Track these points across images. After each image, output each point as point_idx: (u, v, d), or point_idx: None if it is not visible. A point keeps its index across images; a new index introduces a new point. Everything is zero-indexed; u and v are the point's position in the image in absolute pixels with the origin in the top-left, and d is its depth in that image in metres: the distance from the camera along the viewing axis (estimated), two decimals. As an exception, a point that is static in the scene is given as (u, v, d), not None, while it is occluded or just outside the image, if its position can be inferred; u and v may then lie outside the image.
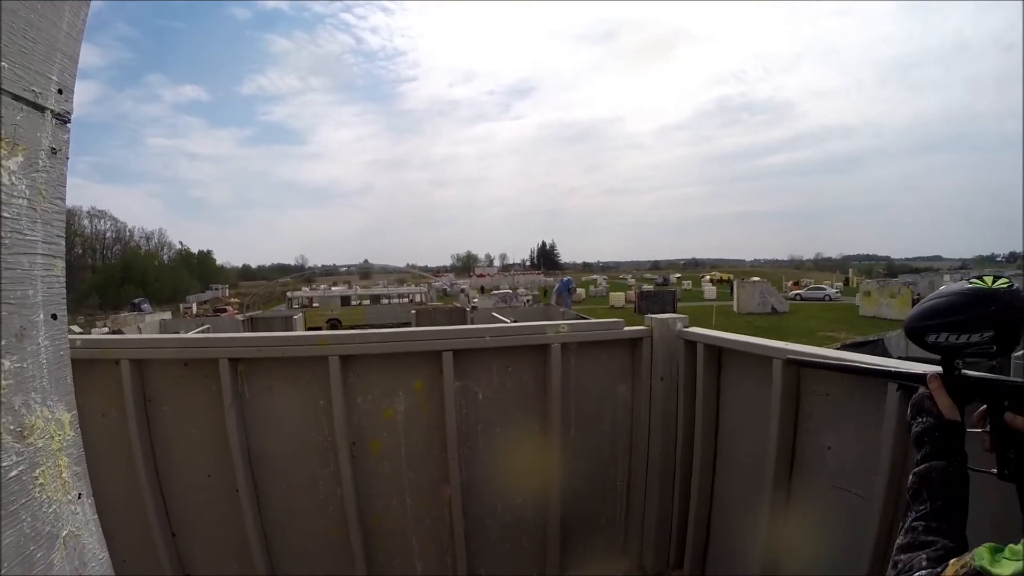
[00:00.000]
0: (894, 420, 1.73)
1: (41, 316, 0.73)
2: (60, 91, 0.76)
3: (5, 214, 0.68)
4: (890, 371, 1.45)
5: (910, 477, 1.08)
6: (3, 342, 0.67)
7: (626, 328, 2.81)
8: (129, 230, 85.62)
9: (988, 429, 1.12)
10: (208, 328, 16.82)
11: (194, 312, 44.88)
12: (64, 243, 0.79)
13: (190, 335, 2.57)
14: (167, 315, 32.71)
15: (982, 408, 1.13)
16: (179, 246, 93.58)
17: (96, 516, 0.81)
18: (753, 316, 32.48)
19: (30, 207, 0.72)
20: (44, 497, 0.71)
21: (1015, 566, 0.75)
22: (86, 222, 77.06)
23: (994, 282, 1.07)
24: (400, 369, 2.49)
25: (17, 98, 0.69)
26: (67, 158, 0.78)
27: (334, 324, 31.24)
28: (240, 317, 24.35)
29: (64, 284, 0.78)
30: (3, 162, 0.67)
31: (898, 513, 1.68)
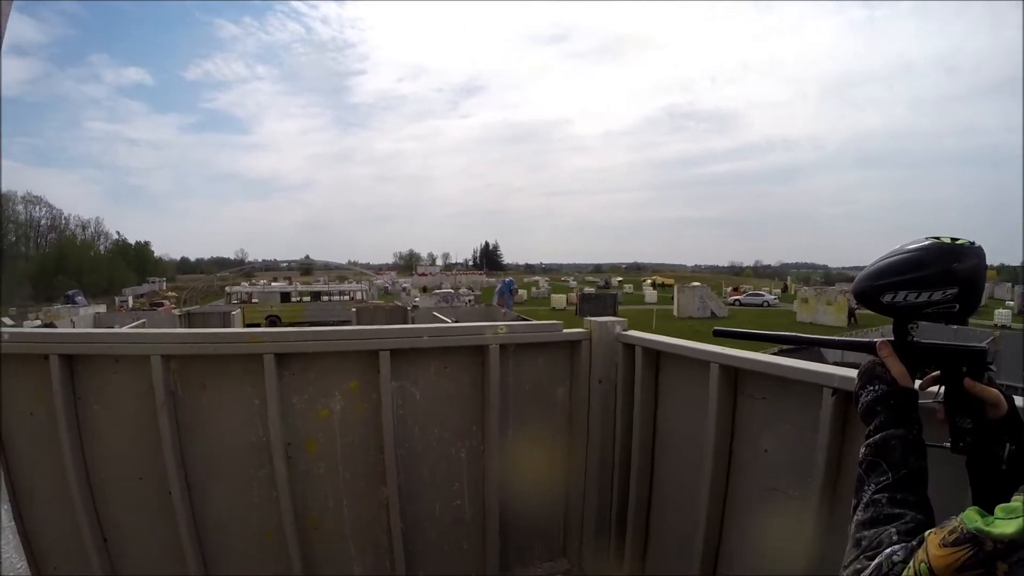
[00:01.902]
0: (828, 424, 1.76)
1: None
2: None
3: None
4: (835, 341, 1.42)
5: (862, 449, 1.01)
6: None
7: (565, 330, 2.83)
8: (65, 217, 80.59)
9: (941, 399, 1.05)
10: (144, 323, 16.26)
11: (130, 306, 43.04)
12: None
13: (123, 330, 2.48)
14: (102, 308, 31.38)
15: (934, 374, 1.08)
16: (116, 236, 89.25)
17: (13, 523, 0.76)
18: (693, 320, 33.19)
19: None
20: None
21: (1016, 523, 0.67)
22: (20, 208, 72.14)
23: (953, 241, 0.99)
24: (336, 368, 2.45)
25: None
26: None
27: (273, 321, 30.53)
28: (177, 312, 23.62)
29: None
30: None
31: (833, 511, 1.74)
